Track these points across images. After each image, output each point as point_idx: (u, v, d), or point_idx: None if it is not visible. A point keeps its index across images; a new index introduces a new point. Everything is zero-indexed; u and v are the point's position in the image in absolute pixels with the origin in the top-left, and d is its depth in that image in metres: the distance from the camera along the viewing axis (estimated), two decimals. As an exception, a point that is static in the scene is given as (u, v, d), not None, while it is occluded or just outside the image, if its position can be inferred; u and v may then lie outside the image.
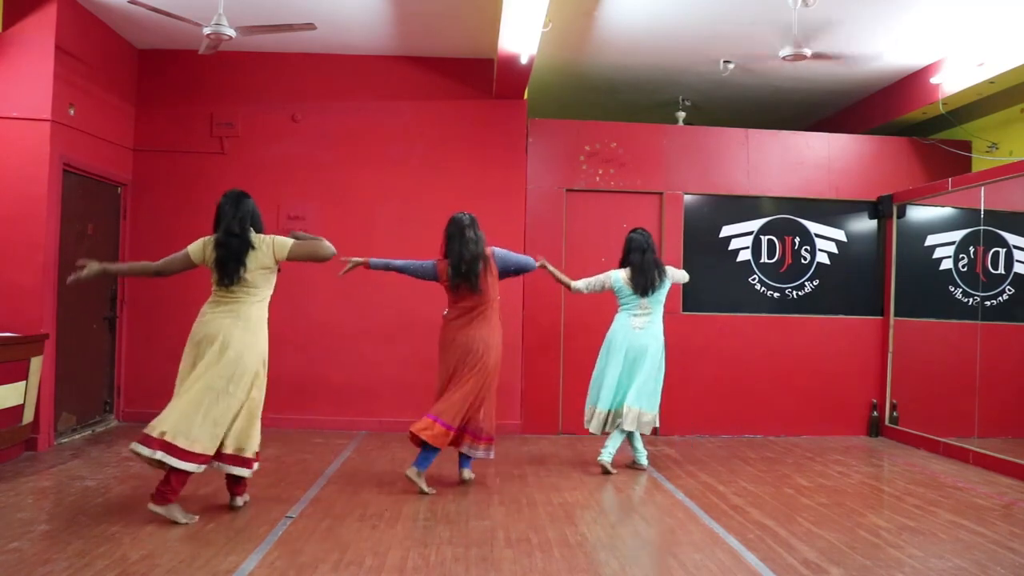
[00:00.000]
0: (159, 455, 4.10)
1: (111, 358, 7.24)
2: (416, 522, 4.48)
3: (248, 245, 4.36)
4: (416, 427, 4.96)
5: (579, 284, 5.99)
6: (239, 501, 4.59)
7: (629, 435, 5.93)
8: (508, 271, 5.34)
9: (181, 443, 4.13)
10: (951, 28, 6.47)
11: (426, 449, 5.02)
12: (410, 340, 7.31)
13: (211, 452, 4.24)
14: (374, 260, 5.32)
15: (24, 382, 5.57)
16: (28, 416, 5.67)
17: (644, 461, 6.00)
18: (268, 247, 4.41)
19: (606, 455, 5.81)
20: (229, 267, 4.32)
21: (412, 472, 5.03)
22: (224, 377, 4.27)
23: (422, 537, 4.20)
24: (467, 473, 5.37)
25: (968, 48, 6.74)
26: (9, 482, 5.07)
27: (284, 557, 3.81)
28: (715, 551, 4.10)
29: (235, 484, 4.56)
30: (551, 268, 5.89)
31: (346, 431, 7.23)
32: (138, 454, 4.14)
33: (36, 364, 5.69)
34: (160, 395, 7.16)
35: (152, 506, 4.21)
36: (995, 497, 5.41)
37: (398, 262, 5.31)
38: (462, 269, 5.08)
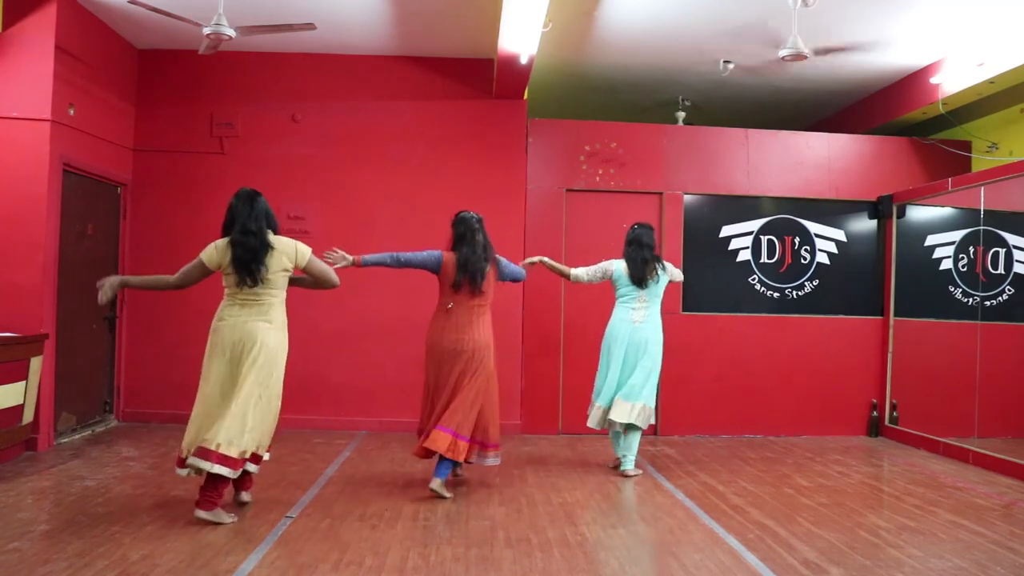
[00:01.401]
0: (217, 468, 4.13)
1: (111, 358, 7.24)
2: (416, 522, 4.48)
3: (267, 245, 4.33)
4: (436, 445, 4.82)
5: (579, 272, 5.91)
6: (246, 496, 4.61)
7: (627, 433, 5.78)
8: (503, 278, 5.34)
9: (233, 453, 4.17)
10: (951, 28, 6.47)
11: (444, 459, 4.95)
12: (410, 340, 7.29)
13: (248, 456, 4.29)
14: (365, 257, 5.07)
15: (24, 382, 5.57)
16: (28, 416, 5.67)
17: (632, 466, 5.81)
18: (292, 250, 4.42)
19: (627, 462, 5.79)
20: (251, 267, 4.28)
21: (437, 484, 4.92)
22: (262, 384, 4.31)
23: (422, 537, 4.20)
24: (456, 473, 5.35)
25: (968, 48, 6.73)
26: (9, 482, 5.07)
27: (284, 557, 3.81)
28: (715, 551, 4.10)
29: (245, 480, 4.58)
30: (548, 261, 5.88)
31: (346, 431, 7.23)
32: (198, 469, 4.15)
33: (36, 364, 5.69)
34: (160, 395, 7.29)
35: (201, 513, 4.20)
36: (995, 497, 5.42)
37: (390, 256, 5.08)
38: (469, 268, 5.04)
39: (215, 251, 4.38)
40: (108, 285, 4.38)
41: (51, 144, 5.99)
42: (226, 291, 4.43)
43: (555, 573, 3.72)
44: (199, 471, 4.18)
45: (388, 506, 4.78)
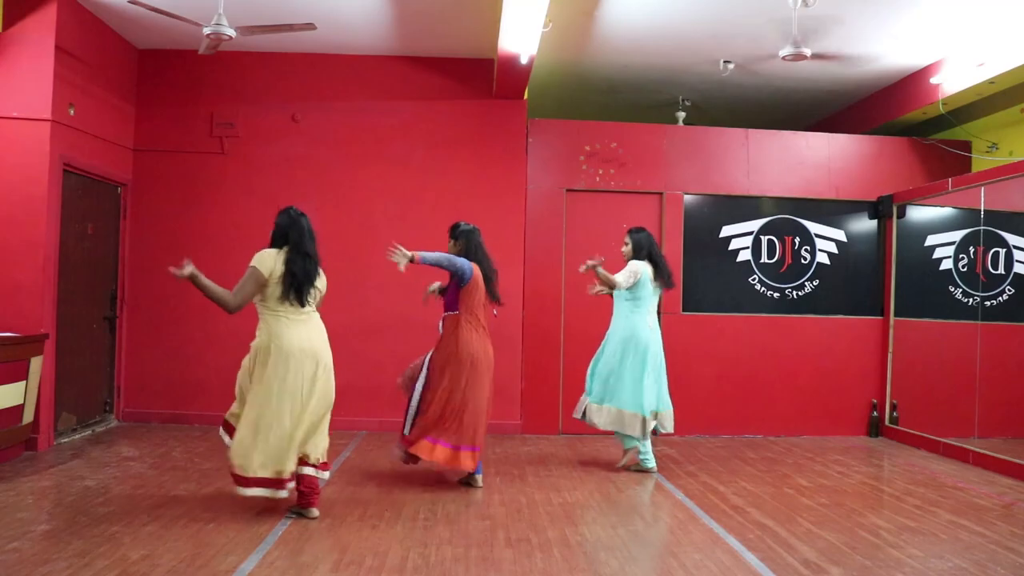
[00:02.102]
0: (325, 475, 4.56)
1: (111, 358, 7.23)
2: (416, 522, 4.48)
3: (318, 268, 4.55)
4: (461, 464, 5.07)
5: (620, 279, 5.76)
6: (315, 512, 4.51)
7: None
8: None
9: (319, 458, 4.50)
10: (951, 28, 6.47)
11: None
12: (410, 340, 7.29)
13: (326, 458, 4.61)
14: (423, 255, 4.99)
15: (24, 382, 5.57)
16: (28, 416, 5.67)
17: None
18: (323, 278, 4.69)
19: (652, 461, 5.92)
20: (305, 289, 4.43)
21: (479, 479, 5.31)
22: (328, 393, 4.57)
23: (422, 537, 4.21)
24: (479, 480, 5.37)
25: (968, 48, 6.73)
26: (9, 482, 5.07)
27: (284, 557, 3.81)
28: (715, 551, 4.10)
29: (312, 494, 4.49)
30: (600, 270, 5.68)
31: (346, 431, 7.22)
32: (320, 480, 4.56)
33: (36, 364, 5.69)
34: (160, 395, 7.29)
35: (316, 511, 4.47)
36: (995, 497, 5.42)
37: (446, 259, 5.08)
38: (492, 279, 5.27)
39: (269, 258, 4.38)
40: (187, 270, 4.17)
41: (51, 144, 5.99)
42: (267, 306, 4.39)
43: (555, 573, 3.72)
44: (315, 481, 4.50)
45: (388, 506, 4.78)
